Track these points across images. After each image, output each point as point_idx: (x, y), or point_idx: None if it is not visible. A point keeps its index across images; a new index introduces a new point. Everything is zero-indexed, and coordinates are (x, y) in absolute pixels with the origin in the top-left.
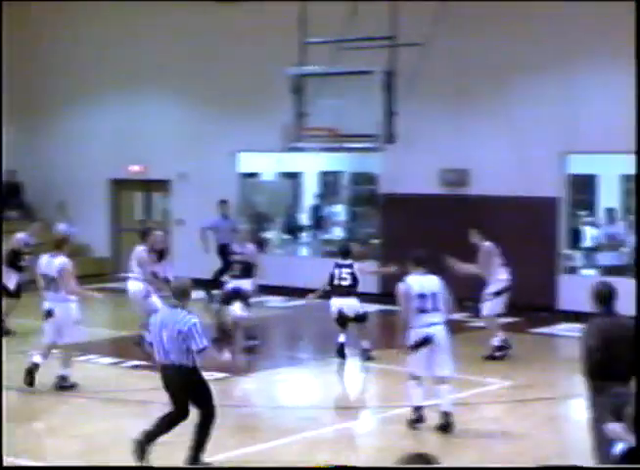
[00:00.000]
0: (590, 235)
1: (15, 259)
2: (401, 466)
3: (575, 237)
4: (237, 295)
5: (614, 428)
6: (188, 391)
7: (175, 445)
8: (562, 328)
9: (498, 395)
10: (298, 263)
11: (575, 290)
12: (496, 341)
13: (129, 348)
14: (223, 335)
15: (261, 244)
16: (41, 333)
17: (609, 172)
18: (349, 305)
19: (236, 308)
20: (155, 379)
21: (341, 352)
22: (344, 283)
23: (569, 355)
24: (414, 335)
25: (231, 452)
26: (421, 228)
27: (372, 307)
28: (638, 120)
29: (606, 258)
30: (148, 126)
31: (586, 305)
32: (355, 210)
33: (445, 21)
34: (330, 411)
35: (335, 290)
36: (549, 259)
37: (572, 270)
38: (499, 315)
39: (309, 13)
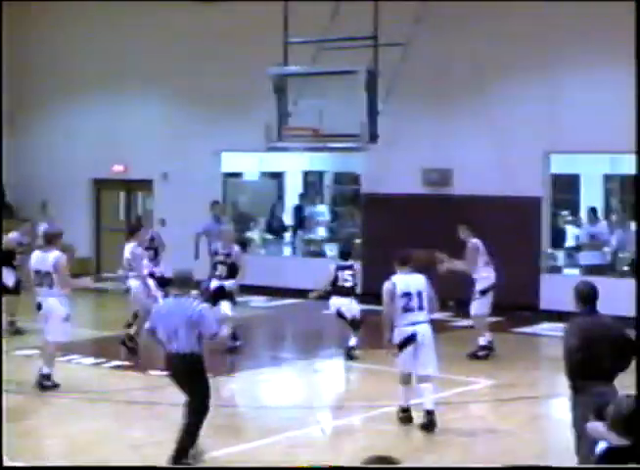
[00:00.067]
0: (572, 234)
1: (10, 258)
2: (389, 466)
3: (558, 236)
4: (222, 294)
5: (595, 427)
6: (191, 378)
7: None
8: (544, 327)
9: (481, 394)
10: (281, 263)
11: (558, 289)
12: (482, 340)
13: (111, 348)
14: None
15: (244, 244)
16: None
17: (591, 172)
18: (348, 306)
19: (224, 308)
20: (137, 379)
21: (349, 355)
22: (347, 284)
23: (551, 355)
24: (399, 334)
25: (214, 452)
26: (404, 228)
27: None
28: (638, 120)
29: (588, 258)
30: (130, 126)
31: (569, 304)
32: (338, 209)
33: (427, 21)
34: (313, 411)
35: (336, 290)
36: (532, 259)
37: (555, 270)
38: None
39: (292, 13)
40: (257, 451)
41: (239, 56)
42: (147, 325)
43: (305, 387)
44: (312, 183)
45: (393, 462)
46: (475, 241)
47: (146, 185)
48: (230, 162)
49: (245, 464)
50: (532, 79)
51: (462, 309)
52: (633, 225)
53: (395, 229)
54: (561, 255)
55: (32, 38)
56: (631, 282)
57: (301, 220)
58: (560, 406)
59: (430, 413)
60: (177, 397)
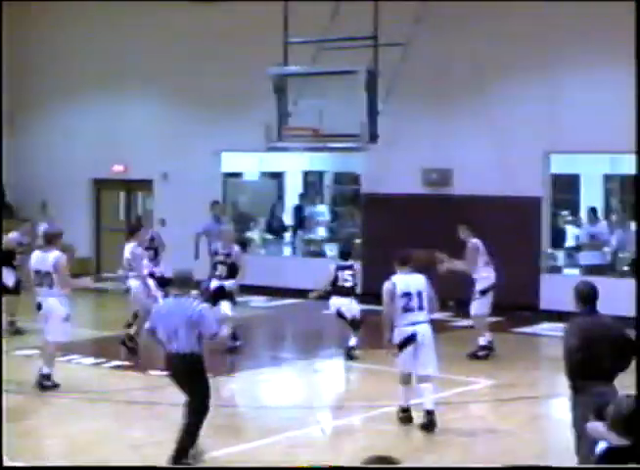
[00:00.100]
0: (572, 234)
1: (10, 259)
2: (389, 466)
3: (558, 236)
4: (222, 294)
5: (595, 427)
6: (191, 378)
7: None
8: (544, 327)
9: (481, 394)
10: (281, 263)
11: (558, 289)
12: (482, 340)
13: (111, 348)
14: None
15: (244, 244)
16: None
17: (591, 172)
18: (348, 306)
19: (224, 308)
20: (137, 379)
21: (349, 355)
22: (347, 284)
23: (551, 355)
24: (399, 334)
25: (214, 452)
26: (403, 228)
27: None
28: (638, 120)
29: (588, 258)
30: (130, 126)
31: (569, 304)
32: (338, 209)
33: (427, 21)
34: (313, 411)
35: (336, 290)
36: (532, 259)
37: (555, 270)
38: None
39: (292, 13)
40: (257, 451)
41: (239, 56)
42: (147, 325)
43: (305, 387)
44: (312, 183)
45: (394, 462)
46: (475, 241)
47: (146, 185)
48: (230, 162)
49: (245, 464)
50: (532, 79)
51: (462, 309)
52: (633, 225)
53: (395, 229)
54: (561, 255)
55: (32, 38)
56: (631, 282)
57: (301, 220)
58: (560, 406)
59: (430, 413)
60: (177, 397)
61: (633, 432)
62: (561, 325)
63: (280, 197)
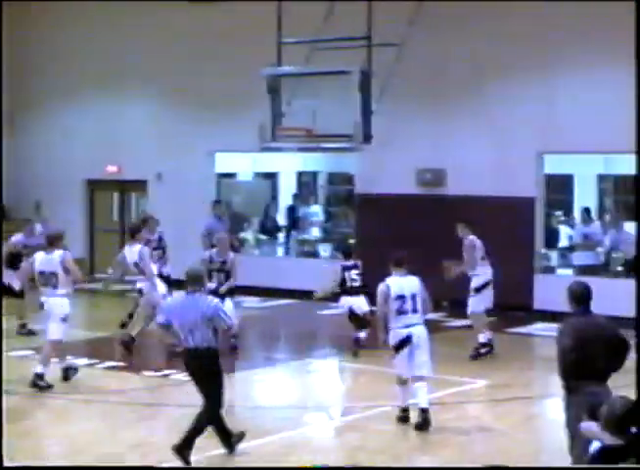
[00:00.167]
0: (566, 235)
1: (14, 261)
2: (387, 466)
3: (551, 237)
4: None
5: (589, 427)
6: (208, 372)
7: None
8: (538, 328)
9: (475, 394)
10: (275, 264)
11: (552, 290)
12: (482, 337)
13: (104, 349)
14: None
15: (237, 245)
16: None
17: (584, 172)
18: (359, 304)
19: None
20: (133, 380)
21: (355, 352)
22: (355, 284)
23: (545, 355)
24: (394, 336)
25: (210, 453)
26: (397, 228)
27: None
28: (638, 120)
29: (581, 258)
30: (125, 126)
31: (562, 304)
32: (332, 210)
33: (422, 21)
34: (307, 411)
35: (345, 291)
36: (525, 259)
37: (549, 270)
38: (488, 311)
39: (285, 13)
40: (253, 451)
41: (233, 56)
42: (159, 319)
43: (300, 387)
44: (306, 183)
45: None
46: (471, 238)
47: (140, 185)
48: (224, 162)
49: (240, 464)
50: (526, 80)
51: (456, 310)
52: (626, 225)
53: (389, 229)
54: (554, 255)
55: (32, 38)
56: (625, 282)
57: (295, 221)
58: (554, 406)
59: (424, 411)
60: (177, 397)
61: (626, 432)
62: (554, 325)
63: (274, 197)
